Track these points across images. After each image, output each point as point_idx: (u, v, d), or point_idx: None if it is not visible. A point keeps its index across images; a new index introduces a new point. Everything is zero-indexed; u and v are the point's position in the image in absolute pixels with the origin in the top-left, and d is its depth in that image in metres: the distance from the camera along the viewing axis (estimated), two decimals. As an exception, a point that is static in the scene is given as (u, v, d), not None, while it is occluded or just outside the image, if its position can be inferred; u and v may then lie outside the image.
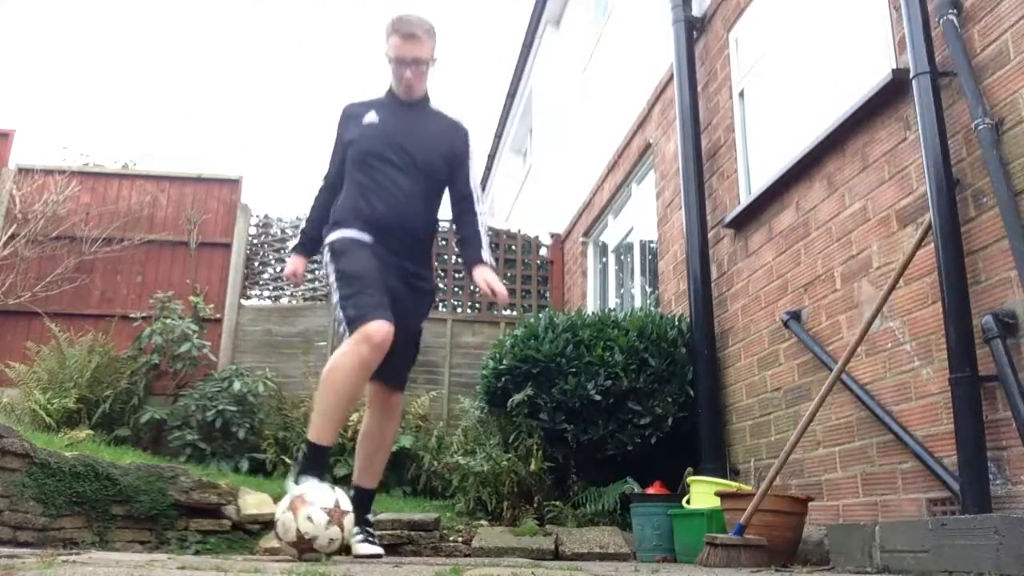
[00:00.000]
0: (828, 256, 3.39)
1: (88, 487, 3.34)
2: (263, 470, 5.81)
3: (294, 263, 3.24)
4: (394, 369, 2.94)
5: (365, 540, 2.91)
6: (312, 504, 2.40)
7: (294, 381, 6.71)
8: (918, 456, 2.68)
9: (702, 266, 4.41)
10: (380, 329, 2.66)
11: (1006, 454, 2.36)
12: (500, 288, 2.98)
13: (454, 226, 3.24)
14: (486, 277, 2.99)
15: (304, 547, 2.37)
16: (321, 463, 2.67)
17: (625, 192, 6.46)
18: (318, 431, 2.69)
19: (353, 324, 2.70)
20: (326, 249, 2.99)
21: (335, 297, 2.85)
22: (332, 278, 2.90)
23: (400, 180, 2.98)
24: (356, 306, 2.72)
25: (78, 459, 3.38)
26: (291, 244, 7.81)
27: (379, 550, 2.90)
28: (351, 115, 3.14)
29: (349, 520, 2.51)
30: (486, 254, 3.08)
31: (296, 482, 2.60)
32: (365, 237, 2.90)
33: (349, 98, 3.22)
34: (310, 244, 3.21)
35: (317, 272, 7.61)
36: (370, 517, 3.06)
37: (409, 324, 2.96)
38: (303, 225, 3.23)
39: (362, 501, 2.96)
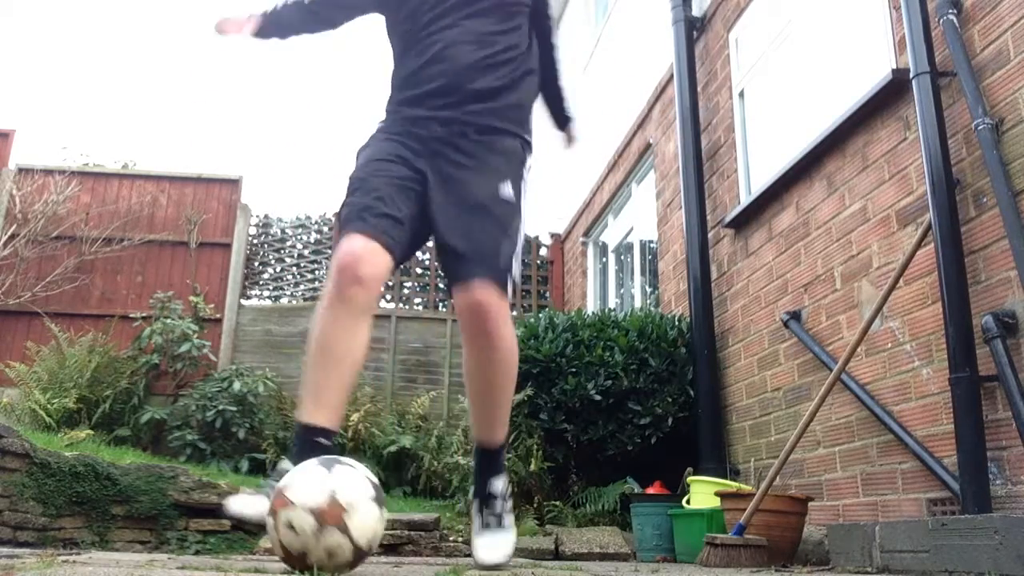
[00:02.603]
0: (828, 256, 3.39)
1: (88, 487, 3.34)
2: (263, 470, 5.80)
3: (242, 20, 2.33)
4: (453, 253, 2.04)
5: (484, 527, 2.09)
6: (294, 505, 1.58)
7: (294, 381, 6.70)
8: (918, 456, 2.68)
9: (702, 266, 4.41)
10: (348, 251, 1.92)
11: (1006, 454, 2.36)
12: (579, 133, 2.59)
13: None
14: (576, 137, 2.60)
15: (298, 564, 1.59)
16: (308, 447, 1.84)
17: (625, 192, 6.46)
18: (303, 405, 1.94)
19: (338, 236, 2.04)
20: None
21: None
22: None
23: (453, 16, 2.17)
24: (344, 214, 2.04)
25: (78, 459, 3.38)
26: (288, 243, 7.82)
27: (501, 553, 2.02)
28: None
29: (362, 516, 1.60)
30: (572, 110, 2.57)
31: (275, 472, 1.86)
32: (392, 122, 2.20)
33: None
34: (272, 25, 2.35)
35: (317, 272, 7.61)
36: (498, 485, 2.15)
37: (462, 187, 2.09)
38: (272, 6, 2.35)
39: (480, 464, 2.19)
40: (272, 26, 2.35)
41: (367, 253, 1.92)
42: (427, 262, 7.84)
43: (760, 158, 4.18)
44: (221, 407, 5.95)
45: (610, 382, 4.24)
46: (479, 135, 2.15)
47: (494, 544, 2.04)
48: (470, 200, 2.06)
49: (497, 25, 2.21)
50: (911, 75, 2.78)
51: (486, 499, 2.14)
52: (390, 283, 7.55)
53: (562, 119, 2.58)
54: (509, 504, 2.18)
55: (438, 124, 2.14)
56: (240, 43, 2.32)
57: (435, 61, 2.14)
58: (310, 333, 1.97)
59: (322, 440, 1.86)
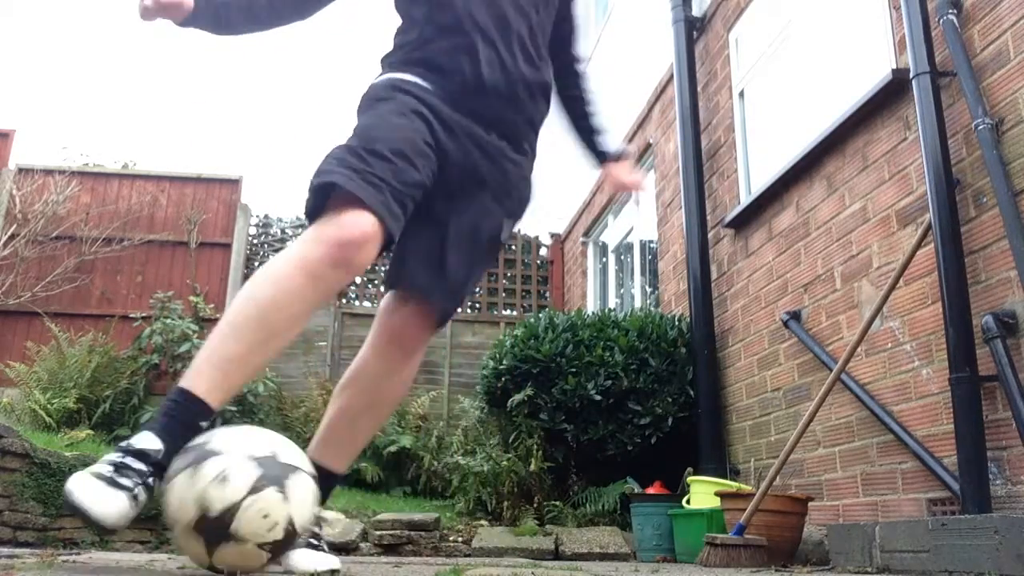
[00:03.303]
0: (828, 256, 3.39)
1: (88, 487, 3.33)
2: (263, 470, 5.80)
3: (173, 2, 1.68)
4: (435, 277, 1.78)
5: (309, 545, 1.73)
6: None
7: (294, 381, 6.71)
8: (918, 456, 2.68)
9: (702, 266, 4.41)
10: (359, 229, 1.54)
11: (1006, 454, 2.36)
12: (641, 184, 2.24)
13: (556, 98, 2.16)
14: (623, 177, 2.23)
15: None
16: (190, 428, 1.44)
17: (625, 192, 6.45)
18: (201, 373, 1.47)
19: (321, 199, 1.59)
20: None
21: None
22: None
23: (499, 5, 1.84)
24: (344, 168, 1.58)
25: (78, 459, 3.38)
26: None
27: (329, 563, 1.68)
28: None
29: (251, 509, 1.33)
30: (613, 141, 2.23)
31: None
32: (425, 84, 1.77)
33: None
34: (203, 12, 1.74)
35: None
36: (322, 513, 1.83)
37: (482, 216, 1.84)
38: None
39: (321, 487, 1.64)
40: (212, 17, 1.78)
41: (373, 239, 1.56)
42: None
43: (760, 158, 4.18)
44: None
45: (610, 382, 4.24)
46: (515, 153, 1.89)
47: (317, 558, 1.69)
48: (483, 229, 1.84)
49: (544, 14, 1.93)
50: (911, 75, 2.78)
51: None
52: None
53: (597, 152, 2.23)
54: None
55: (482, 125, 1.81)
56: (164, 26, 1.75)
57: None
58: (252, 292, 1.54)
59: (203, 424, 1.46)
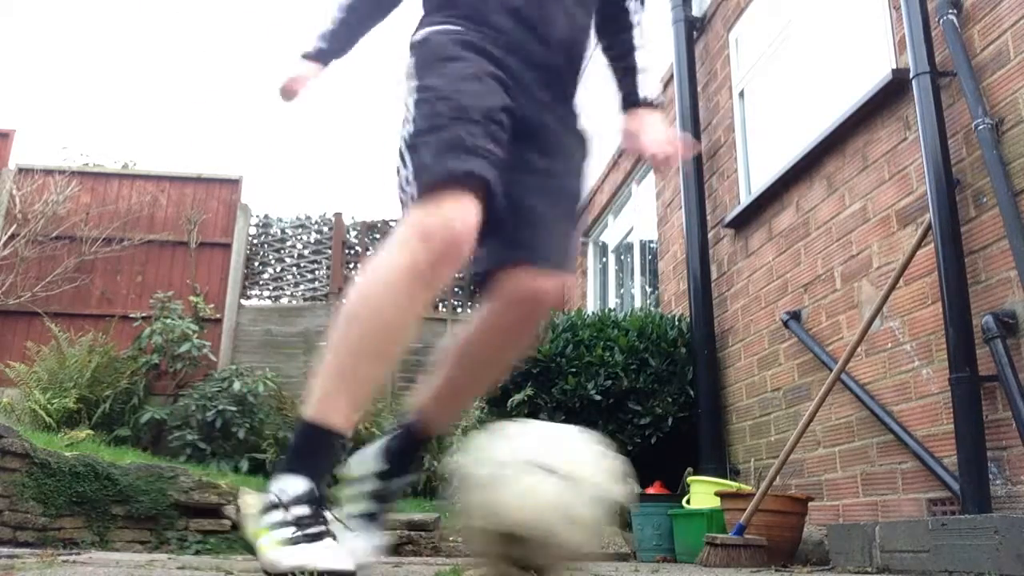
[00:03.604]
0: (828, 256, 3.39)
1: (88, 487, 3.34)
2: (263, 470, 5.80)
3: (300, 69, 1.77)
4: (533, 238, 1.62)
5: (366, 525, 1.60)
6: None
7: (294, 381, 6.71)
8: (918, 456, 2.68)
9: (702, 266, 4.41)
10: (462, 220, 1.41)
11: (1006, 454, 2.36)
12: (674, 146, 1.86)
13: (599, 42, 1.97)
14: (642, 135, 1.86)
15: None
16: (320, 455, 1.38)
17: (625, 192, 6.46)
18: (324, 399, 1.39)
19: (422, 183, 1.45)
20: (409, 53, 1.69)
21: (403, 134, 1.54)
22: (409, 100, 1.57)
23: None
24: (435, 150, 1.46)
25: (78, 459, 3.38)
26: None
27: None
28: None
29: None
30: (652, 87, 1.92)
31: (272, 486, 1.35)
32: (476, 35, 1.63)
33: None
34: (330, 50, 1.83)
35: (317, 272, 7.61)
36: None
37: (559, 182, 1.74)
38: (323, 25, 1.83)
39: (413, 449, 1.68)
40: (337, 47, 1.83)
41: (473, 228, 1.43)
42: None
43: (760, 158, 4.18)
44: (221, 407, 5.95)
45: (610, 382, 4.24)
46: (573, 113, 1.80)
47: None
48: (567, 190, 1.75)
49: None
50: (911, 75, 2.78)
51: (381, 499, 1.64)
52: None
53: (626, 92, 1.94)
54: None
55: (549, 79, 1.70)
56: (315, 94, 1.84)
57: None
58: (361, 307, 1.43)
59: (334, 450, 1.40)
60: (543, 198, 1.65)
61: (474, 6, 1.65)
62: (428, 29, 1.67)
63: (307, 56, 1.79)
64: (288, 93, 1.76)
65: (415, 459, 1.71)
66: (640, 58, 1.94)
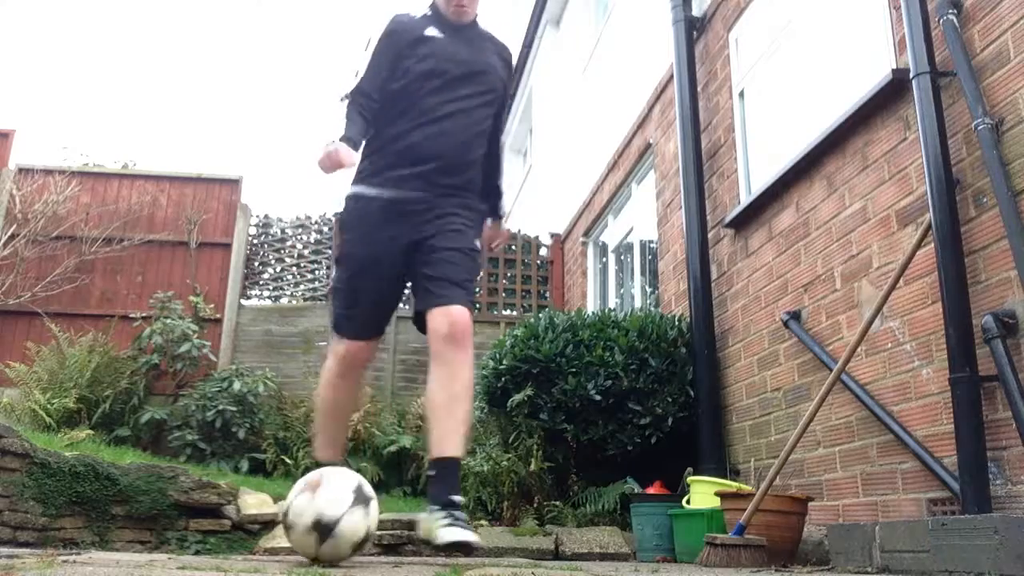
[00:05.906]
0: (828, 256, 3.39)
1: (88, 487, 3.34)
2: (263, 470, 5.81)
3: (346, 153, 2.49)
4: (428, 280, 2.52)
5: (453, 520, 2.25)
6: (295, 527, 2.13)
7: (294, 381, 6.71)
8: (918, 456, 2.68)
9: (702, 266, 4.41)
10: (351, 351, 2.67)
11: (1006, 454, 2.36)
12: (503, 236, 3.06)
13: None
14: (493, 234, 2.98)
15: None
16: None
17: (625, 192, 6.46)
18: (320, 446, 2.78)
19: (334, 327, 2.75)
20: (344, 204, 2.70)
21: (332, 261, 2.59)
22: (335, 247, 2.51)
23: (463, 104, 2.63)
24: (337, 316, 2.72)
25: (78, 459, 3.38)
26: (299, 243, 7.81)
27: (469, 536, 2.22)
28: (406, 27, 2.68)
29: (345, 523, 2.09)
30: (503, 205, 3.02)
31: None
32: (385, 193, 2.58)
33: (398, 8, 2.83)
34: (360, 140, 2.65)
35: (317, 272, 7.61)
36: (456, 498, 2.32)
37: (450, 243, 2.57)
38: (348, 131, 2.58)
39: (442, 475, 2.34)
40: (359, 136, 2.63)
41: (366, 349, 2.69)
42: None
43: (760, 158, 4.18)
44: (221, 407, 5.95)
45: (610, 382, 4.23)
46: (462, 199, 2.64)
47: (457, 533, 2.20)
48: (456, 246, 2.54)
49: (482, 102, 2.68)
50: (911, 75, 2.78)
51: (448, 504, 2.27)
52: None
53: (491, 207, 2.90)
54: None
55: (432, 192, 2.58)
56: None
57: (439, 136, 2.57)
58: (320, 394, 2.76)
59: None
60: (444, 266, 2.50)
61: (386, 159, 2.63)
62: (354, 190, 2.66)
63: (343, 140, 2.53)
64: (330, 168, 2.49)
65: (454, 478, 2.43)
66: (502, 185, 2.97)
